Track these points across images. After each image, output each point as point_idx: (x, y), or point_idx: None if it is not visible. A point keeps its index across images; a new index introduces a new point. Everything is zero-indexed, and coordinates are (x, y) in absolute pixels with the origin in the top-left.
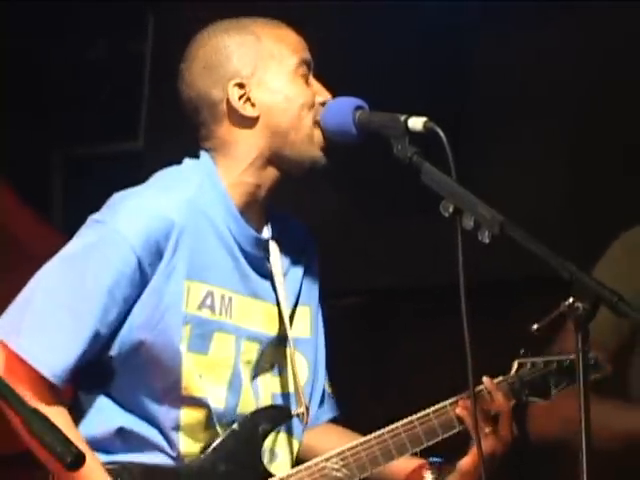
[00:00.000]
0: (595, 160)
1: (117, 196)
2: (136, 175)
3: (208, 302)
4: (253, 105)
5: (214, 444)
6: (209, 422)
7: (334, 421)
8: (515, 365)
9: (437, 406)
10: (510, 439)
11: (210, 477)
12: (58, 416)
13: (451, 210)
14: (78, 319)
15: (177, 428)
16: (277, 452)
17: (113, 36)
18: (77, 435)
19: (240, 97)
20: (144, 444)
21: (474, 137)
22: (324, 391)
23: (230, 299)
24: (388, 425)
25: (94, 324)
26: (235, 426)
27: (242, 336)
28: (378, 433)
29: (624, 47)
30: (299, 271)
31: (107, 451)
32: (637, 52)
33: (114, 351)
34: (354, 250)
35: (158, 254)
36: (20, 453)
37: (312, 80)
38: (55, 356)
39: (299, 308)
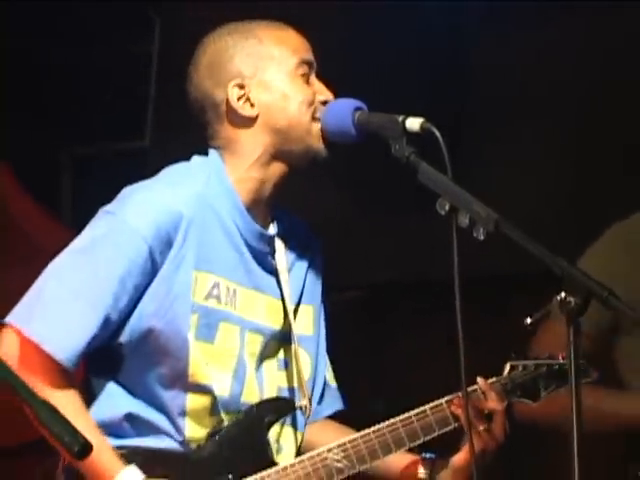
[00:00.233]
0: (595, 160)
1: (127, 190)
2: (142, 173)
3: (215, 292)
4: (252, 105)
5: (221, 431)
6: (214, 408)
7: (335, 415)
8: (507, 367)
9: (434, 403)
10: (502, 438)
11: (217, 462)
12: (71, 400)
13: (447, 208)
14: (90, 305)
15: (183, 414)
16: (282, 444)
17: (120, 37)
18: (89, 420)
19: (240, 97)
20: (151, 429)
21: (474, 137)
22: (323, 388)
23: (235, 291)
24: (386, 417)
25: (105, 309)
26: (241, 415)
27: (246, 328)
28: (377, 427)
29: (624, 47)
30: (302, 269)
31: (116, 435)
32: (637, 52)
33: (124, 338)
34: (355, 247)
35: (168, 244)
36: (29, 442)
37: (314, 79)
38: (67, 340)
39: (302, 306)
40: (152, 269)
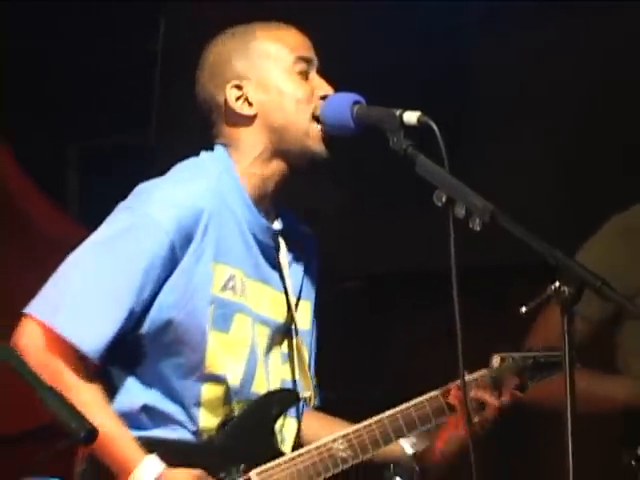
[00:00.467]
0: (595, 160)
1: (144, 186)
2: (147, 168)
3: (231, 284)
4: (250, 104)
5: (231, 422)
6: (227, 398)
7: (336, 403)
8: (497, 359)
9: (430, 394)
10: (488, 428)
11: (229, 453)
12: (94, 393)
13: (444, 200)
14: (115, 297)
15: (198, 404)
16: (285, 435)
17: (127, 36)
18: (111, 411)
19: (238, 98)
20: (167, 420)
21: (474, 137)
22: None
23: (245, 283)
24: (385, 404)
25: (130, 302)
26: (250, 406)
27: (256, 319)
28: (378, 418)
29: (624, 47)
30: (301, 266)
31: (133, 427)
32: (637, 52)
33: (144, 329)
34: (355, 238)
35: (188, 238)
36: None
37: (313, 76)
38: (94, 333)
39: (301, 301)
40: (172, 262)
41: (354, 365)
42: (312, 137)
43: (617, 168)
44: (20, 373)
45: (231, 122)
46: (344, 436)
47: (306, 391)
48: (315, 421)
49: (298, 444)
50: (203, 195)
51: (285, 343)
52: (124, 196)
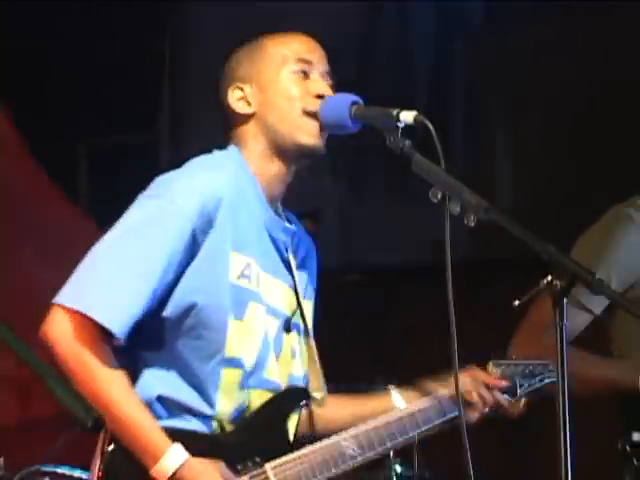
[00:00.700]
0: (594, 160)
1: (165, 176)
2: (156, 165)
3: (246, 273)
4: (249, 104)
5: (247, 416)
6: (243, 382)
7: (339, 388)
8: (491, 366)
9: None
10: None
11: (245, 446)
12: (119, 378)
13: (439, 197)
14: (140, 277)
15: (216, 387)
16: (290, 429)
17: (136, 35)
18: (137, 399)
19: (240, 99)
20: (181, 410)
21: (475, 137)
22: None
23: (259, 274)
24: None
25: (155, 283)
26: (266, 403)
27: (269, 310)
28: (385, 418)
29: (624, 47)
30: (305, 268)
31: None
32: (636, 52)
33: (167, 312)
34: (356, 231)
35: (209, 224)
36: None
37: (314, 76)
38: (118, 310)
39: (305, 300)
40: (194, 248)
41: (353, 357)
42: (305, 132)
43: (617, 168)
44: (28, 362)
45: (236, 123)
46: (353, 435)
47: (317, 391)
48: (342, 408)
49: (299, 437)
50: (223, 185)
51: (295, 339)
52: (131, 194)
